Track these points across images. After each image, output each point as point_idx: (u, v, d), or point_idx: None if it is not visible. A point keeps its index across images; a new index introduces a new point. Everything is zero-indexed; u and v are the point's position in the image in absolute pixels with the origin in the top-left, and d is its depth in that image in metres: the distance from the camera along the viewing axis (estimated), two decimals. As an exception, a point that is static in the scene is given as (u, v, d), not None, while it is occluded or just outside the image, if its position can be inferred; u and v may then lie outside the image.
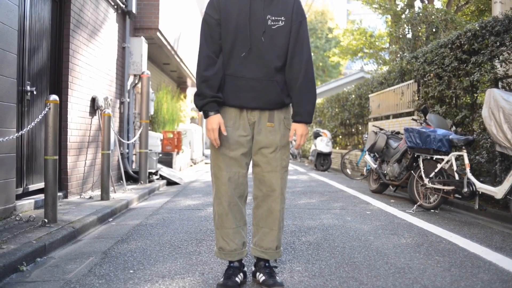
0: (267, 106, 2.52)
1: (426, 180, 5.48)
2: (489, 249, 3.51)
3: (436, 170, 5.37)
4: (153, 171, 8.11)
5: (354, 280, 2.69)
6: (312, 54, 34.03)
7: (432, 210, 5.37)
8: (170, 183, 8.33)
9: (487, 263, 3.11)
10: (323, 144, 12.21)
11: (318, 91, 23.81)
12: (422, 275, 2.80)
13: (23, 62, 4.60)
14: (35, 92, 4.82)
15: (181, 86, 16.40)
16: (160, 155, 9.87)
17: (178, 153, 11.07)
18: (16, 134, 3.77)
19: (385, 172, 6.89)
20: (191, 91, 19.16)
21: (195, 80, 15.22)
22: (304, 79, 2.50)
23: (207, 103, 2.46)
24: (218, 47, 2.51)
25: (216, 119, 2.46)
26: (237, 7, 2.49)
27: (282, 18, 2.50)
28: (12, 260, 2.80)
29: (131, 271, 2.86)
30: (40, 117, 3.94)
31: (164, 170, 8.82)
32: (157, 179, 8.23)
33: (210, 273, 2.83)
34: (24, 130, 3.88)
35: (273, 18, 2.49)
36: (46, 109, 3.85)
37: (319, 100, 17.06)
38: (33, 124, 3.91)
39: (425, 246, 3.58)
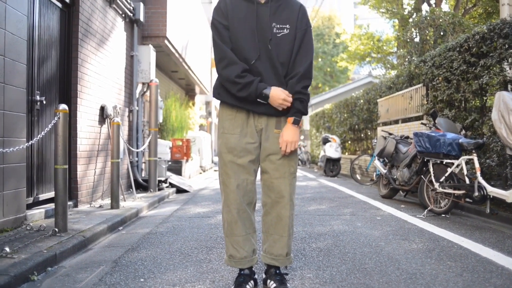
0: (275, 113, 2.51)
1: (436, 185, 5.44)
2: (502, 253, 3.47)
3: (446, 175, 5.33)
4: (163, 179, 8.14)
5: (366, 287, 2.67)
6: (320, 59, 34.02)
7: (443, 215, 5.32)
8: (180, 191, 8.34)
9: (499, 267, 3.08)
10: (332, 149, 12.19)
11: (326, 96, 23.88)
12: (434, 281, 2.77)
13: (33, 71, 4.65)
14: (44, 102, 4.86)
15: (190, 93, 16.47)
16: (169, 163, 9.90)
17: (187, 160, 11.09)
18: (26, 144, 3.80)
19: (395, 177, 6.85)
20: (200, 98, 19.20)
21: (203, 87, 15.26)
22: (300, 79, 2.47)
23: (257, 84, 2.42)
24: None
25: (277, 89, 2.44)
26: (244, 14, 2.49)
27: (287, 26, 2.49)
28: (23, 270, 2.81)
29: (142, 280, 2.86)
30: (49, 126, 3.97)
31: (174, 178, 8.84)
32: (167, 187, 8.24)
33: (221, 281, 2.83)
34: (34, 139, 3.91)
35: (278, 26, 2.48)
36: (56, 119, 3.88)
37: (327, 106, 17.03)
38: (42, 133, 3.94)
39: (437, 251, 3.54)
